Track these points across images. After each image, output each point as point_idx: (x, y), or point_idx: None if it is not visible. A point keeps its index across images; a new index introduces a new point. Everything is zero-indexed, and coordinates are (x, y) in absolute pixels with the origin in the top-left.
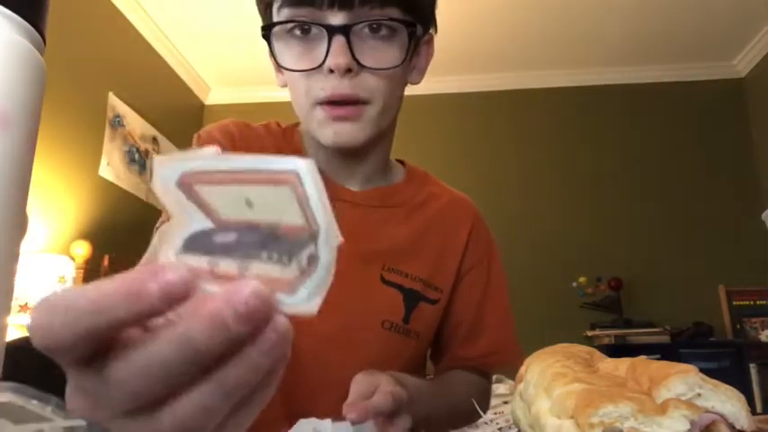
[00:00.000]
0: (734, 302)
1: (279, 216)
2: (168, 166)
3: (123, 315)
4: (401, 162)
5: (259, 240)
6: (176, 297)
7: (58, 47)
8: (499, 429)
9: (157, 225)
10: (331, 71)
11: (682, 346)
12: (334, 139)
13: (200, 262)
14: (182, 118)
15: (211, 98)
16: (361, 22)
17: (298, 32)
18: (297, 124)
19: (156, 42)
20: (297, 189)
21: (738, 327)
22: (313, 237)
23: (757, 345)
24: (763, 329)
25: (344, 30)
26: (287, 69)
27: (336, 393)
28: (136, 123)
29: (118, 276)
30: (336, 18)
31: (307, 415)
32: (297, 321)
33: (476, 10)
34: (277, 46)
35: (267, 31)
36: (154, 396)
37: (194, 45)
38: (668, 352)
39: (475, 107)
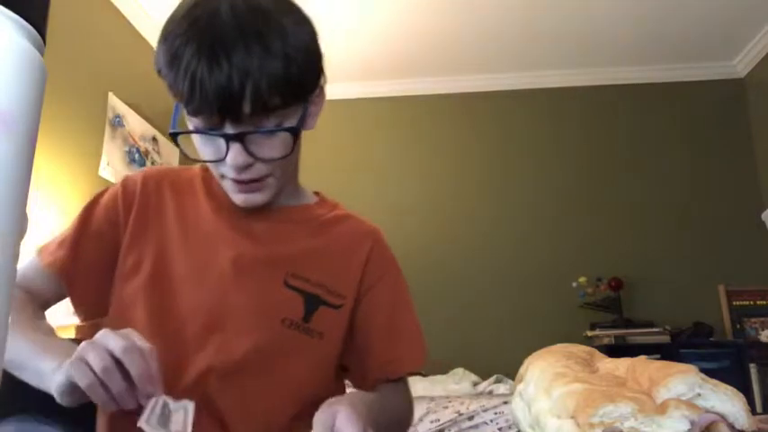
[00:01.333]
0: (734, 302)
1: None
2: None
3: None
4: (317, 193)
5: None
6: None
7: (58, 47)
8: (499, 429)
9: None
10: None
11: (682, 346)
12: (243, 204)
13: None
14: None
15: None
16: (252, 132)
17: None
18: None
19: (156, 43)
20: None
21: (738, 327)
22: None
23: (757, 345)
24: (763, 329)
25: (239, 137)
26: (194, 160)
27: (239, 379)
28: (136, 123)
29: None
30: (230, 128)
31: (212, 397)
32: (206, 314)
33: (468, 10)
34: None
35: (175, 134)
36: None
37: None
38: (668, 352)
39: (476, 108)
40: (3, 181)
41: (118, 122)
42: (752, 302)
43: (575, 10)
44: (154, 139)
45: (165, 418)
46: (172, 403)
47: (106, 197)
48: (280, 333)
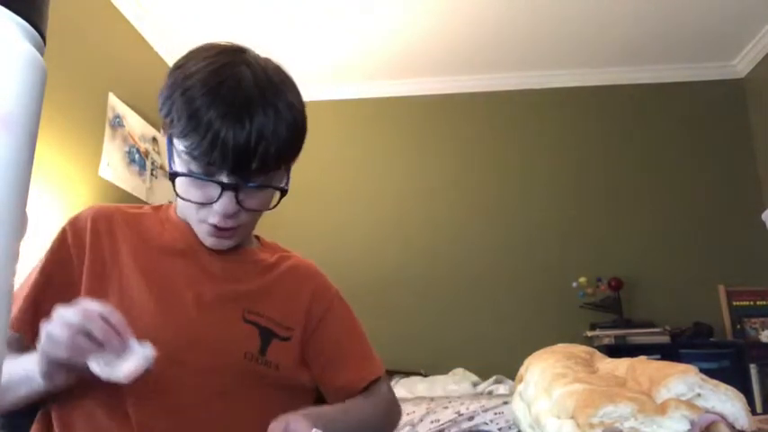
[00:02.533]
0: (734, 302)
1: None
2: None
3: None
4: (257, 237)
5: None
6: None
7: (58, 47)
8: (499, 430)
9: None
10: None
11: (682, 346)
12: (213, 246)
13: None
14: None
15: None
16: (247, 185)
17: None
18: (169, 204)
19: (156, 42)
20: None
21: (738, 327)
22: None
23: (757, 345)
24: (763, 329)
25: (234, 187)
26: (183, 199)
27: (203, 412)
28: (136, 123)
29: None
30: (227, 178)
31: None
32: (171, 347)
33: (467, 10)
34: (179, 179)
35: (174, 176)
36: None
37: (194, 46)
38: (668, 352)
39: (475, 108)
40: (3, 181)
41: (118, 122)
42: (752, 302)
43: (575, 10)
44: (154, 139)
45: (120, 360)
46: (136, 346)
47: (53, 242)
48: (243, 366)
